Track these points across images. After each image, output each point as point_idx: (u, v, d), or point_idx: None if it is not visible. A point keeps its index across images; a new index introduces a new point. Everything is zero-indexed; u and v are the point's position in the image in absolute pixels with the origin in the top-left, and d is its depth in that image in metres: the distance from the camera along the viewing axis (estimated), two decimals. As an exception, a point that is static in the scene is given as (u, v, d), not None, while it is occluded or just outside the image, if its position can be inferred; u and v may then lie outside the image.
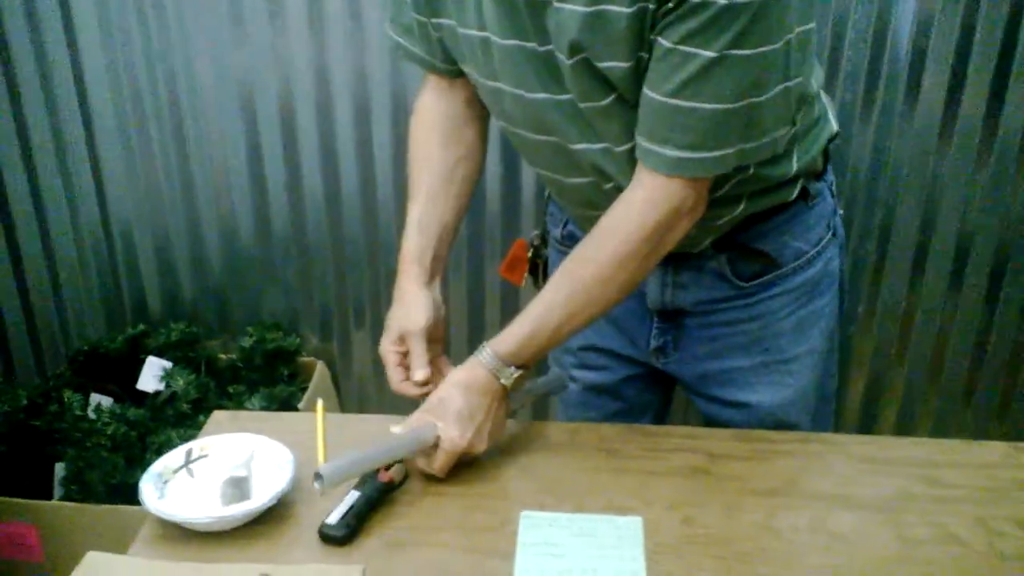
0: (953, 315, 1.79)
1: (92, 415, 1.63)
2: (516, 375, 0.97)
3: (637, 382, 1.21)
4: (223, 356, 1.89)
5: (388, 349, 1.06)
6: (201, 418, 1.56)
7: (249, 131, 1.78)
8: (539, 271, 1.25)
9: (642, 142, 0.90)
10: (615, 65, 0.86)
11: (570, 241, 1.13)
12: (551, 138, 0.97)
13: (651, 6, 0.82)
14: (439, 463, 0.95)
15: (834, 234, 1.11)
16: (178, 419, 1.66)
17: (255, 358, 1.84)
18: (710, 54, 0.81)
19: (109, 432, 1.58)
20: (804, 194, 1.06)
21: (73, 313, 1.98)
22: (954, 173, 1.67)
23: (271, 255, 1.89)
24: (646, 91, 0.87)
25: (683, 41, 0.82)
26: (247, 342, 1.85)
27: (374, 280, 1.88)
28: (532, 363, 0.99)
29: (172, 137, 1.80)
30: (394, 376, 1.05)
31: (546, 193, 1.20)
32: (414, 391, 1.03)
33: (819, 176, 1.08)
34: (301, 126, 1.77)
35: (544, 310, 0.97)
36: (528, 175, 1.75)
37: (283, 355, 1.85)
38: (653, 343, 1.14)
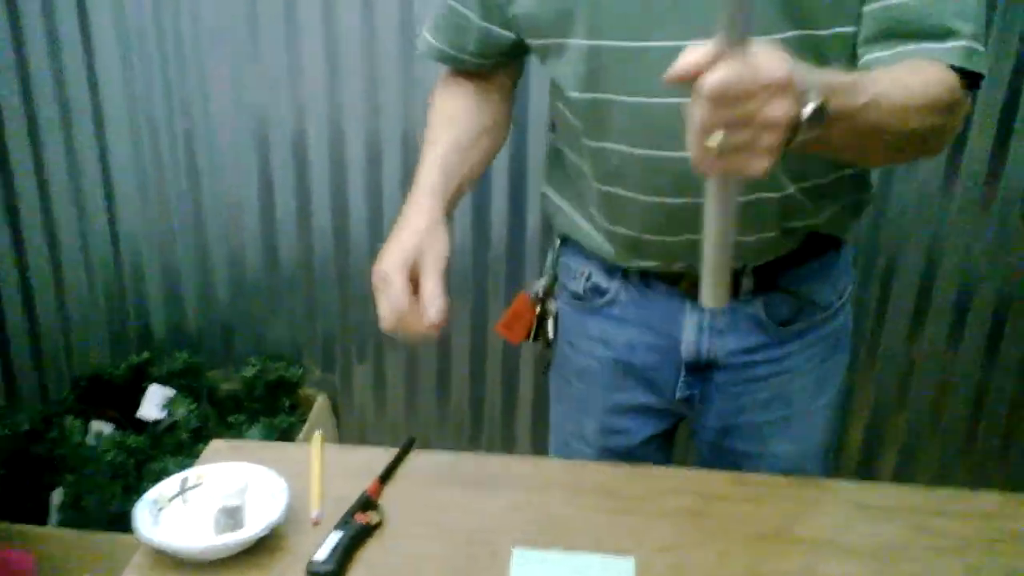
0: (954, 362, 1.79)
1: (92, 442, 1.64)
2: (814, 106, 0.67)
3: (655, 444, 1.17)
4: (225, 386, 1.90)
5: (395, 271, 0.91)
6: (200, 447, 1.55)
7: (261, 163, 1.81)
8: (545, 329, 1.15)
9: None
10: None
11: (596, 295, 1.09)
12: None
13: None
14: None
15: (852, 284, 1.12)
16: (177, 448, 1.67)
17: (257, 388, 1.85)
18: None
19: (108, 459, 1.59)
20: (836, 241, 1.07)
21: (78, 339, 1.99)
22: (957, 222, 1.68)
23: (278, 286, 1.91)
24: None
25: None
26: (250, 371, 1.86)
27: (376, 313, 1.88)
28: (831, 110, 0.69)
29: (185, 167, 1.83)
30: (399, 300, 0.89)
31: (556, 243, 1.15)
32: (417, 326, 0.89)
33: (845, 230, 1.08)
34: (312, 160, 1.79)
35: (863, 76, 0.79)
36: (534, 215, 1.77)
37: (285, 386, 1.86)
38: (679, 394, 1.10)
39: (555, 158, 1.12)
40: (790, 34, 0.83)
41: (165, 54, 1.75)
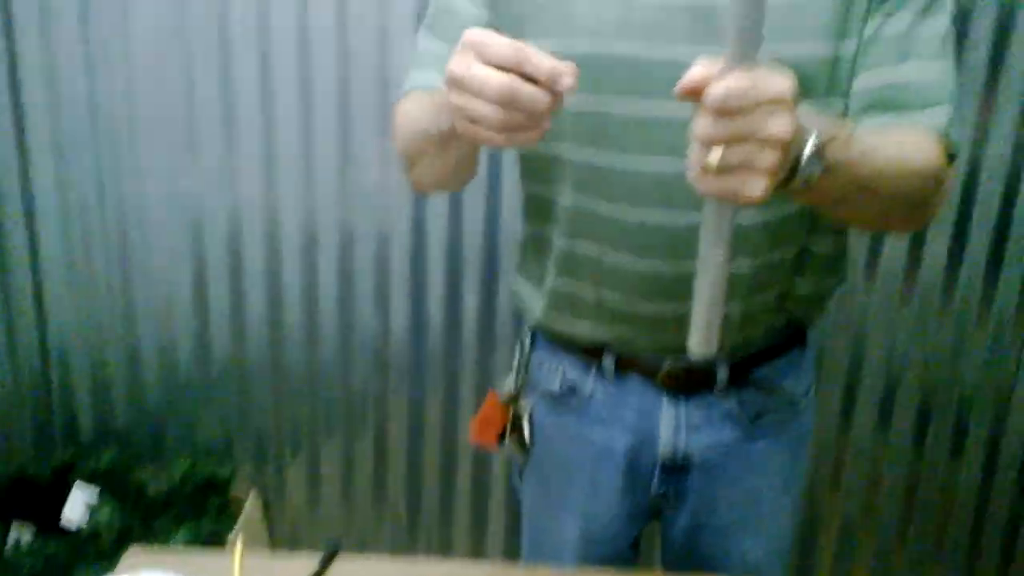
0: (884, 451, 1.80)
1: (10, 548, 1.56)
2: (815, 143, 0.70)
3: (631, 547, 1.15)
4: (153, 485, 1.83)
5: (485, 35, 0.72)
6: (123, 552, 1.49)
7: (195, 256, 1.79)
8: (520, 431, 1.10)
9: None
10: None
11: (571, 394, 1.07)
12: None
13: None
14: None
15: (815, 384, 1.14)
16: (99, 555, 1.59)
17: (186, 487, 1.78)
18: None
19: (26, 570, 1.51)
20: (801, 337, 1.08)
21: (1, 436, 1.91)
22: (880, 312, 1.72)
23: (210, 381, 1.86)
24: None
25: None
26: (180, 468, 1.80)
27: (312, 411, 1.86)
28: (829, 155, 0.72)
29: (117, 260, 1.80)
30: (508, 55, 0.70)
31: (527, 340, 1.12)
32: (537, 105, 0.71)
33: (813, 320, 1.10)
34: (247, 254, 1.78)
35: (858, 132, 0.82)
36: (504, 301, 1.77)
37: (215, 486, 1.80)
38: (654, 492, 1.08)
39: (531, 242, 1.09)
40: None
41: (99, 143, 1.73)
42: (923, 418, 1.78)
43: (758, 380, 1.06)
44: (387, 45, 1.63)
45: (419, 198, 1.70)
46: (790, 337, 1.08)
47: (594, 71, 0.85)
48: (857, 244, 1.66)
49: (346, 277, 1.76)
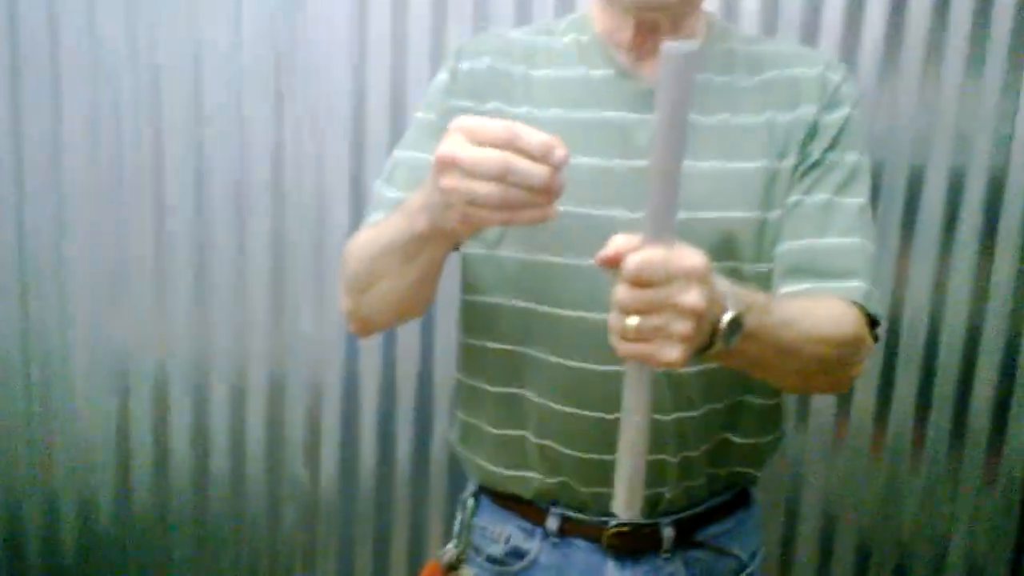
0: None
1: None
2: (733, 311, 0.74)
3: None
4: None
5: (473, 121, 0.73)
6: None
7: (119, 406, 1.74)
8: None
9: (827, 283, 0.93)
10: None
11: (515, 559, 1.05)
12: None
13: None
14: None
15: (762, 548, 1.12)
16: None
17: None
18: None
19: None
20: (745, 498, 1.08)
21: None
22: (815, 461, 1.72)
23: (130, 535, 1.79)
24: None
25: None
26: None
27: (237, 565, 1.78)
28: (747, 324, 0.76)
29: (39, 408, 1.74)
30: (504, 135, 0.71)
31: (468, 503, 1.10)
32: (537, 180, 0.71)
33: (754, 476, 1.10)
34: (174, 406, 1.74)
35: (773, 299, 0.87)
36: (438, 449, 1.73)
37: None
38: None
39: (471, 393, 1.08)
40: (719, 264, 0.88)
41: (25, 285, 1.71)
42: (862, 564, 1.75)
43: (704, 541, 1.04)
44: (323, 199, 1.65)
45: (352, 346, 1.68)
46: (735, 497, 1.08)
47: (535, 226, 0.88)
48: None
49: (275, 426, 1.72)
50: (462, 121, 0.72)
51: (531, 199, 0.71)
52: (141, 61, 1.64)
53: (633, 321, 0.68)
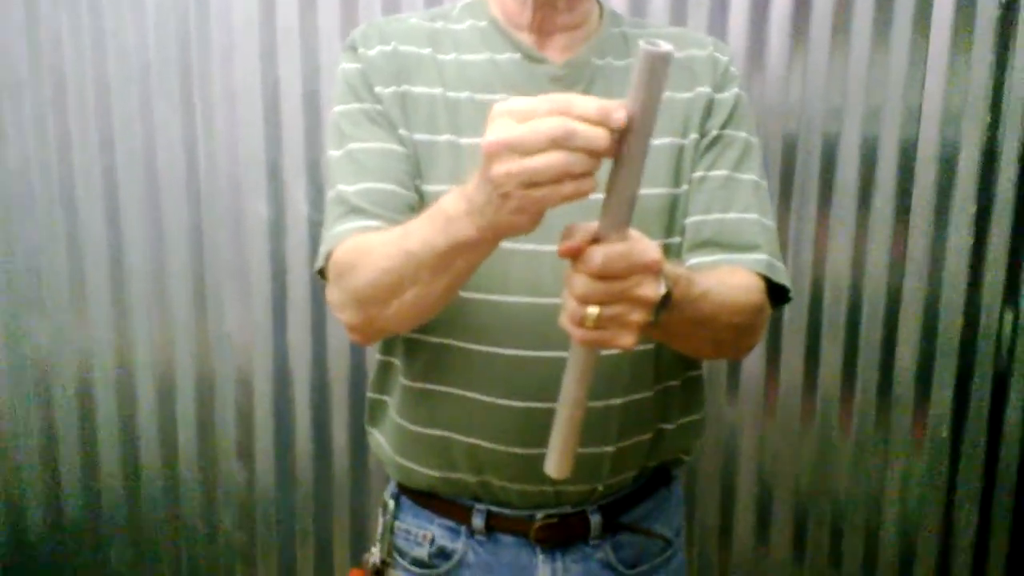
0: (765, 571, 1.80)
1: None
2: (664, 288, 0.75)
3: None
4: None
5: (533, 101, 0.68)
6: None
7: (43, 413, 1.70)
8: None
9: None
10: None
11: (442, 560, 1.04)
12: None
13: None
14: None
15: (683, 523, 1.15)
16: None
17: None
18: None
19: None
20: (666, 477, 1.10)
21: None
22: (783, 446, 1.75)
23: (62, 542, 1.75)
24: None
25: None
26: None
27: (175, 566, 1.75)
28: (675, 298, 0.78)
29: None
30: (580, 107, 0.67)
31: (389, 504, 1.09)
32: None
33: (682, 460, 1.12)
34: (99, 411, 1.70)
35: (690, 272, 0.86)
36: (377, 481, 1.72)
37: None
38: None
39: (392, 387, 1.06)
40: None
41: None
42: (800, 529, 1.79)
43: (630, 524, 1.05)
44: (239, 193, 1.62)
45: (280, 339, 1.66)
46: (657, 478, 1.09)
47: None
48: (717, 365, 1.70)
49: (207, 426, 1.70)
50: (504, 105, 0.68)
51: (592, 165, 0.66)
52: (44, 60, 1.59)
53: (593, 311, 0.69)
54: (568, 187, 0.66)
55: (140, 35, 1.58)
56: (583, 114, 0.65)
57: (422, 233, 0.80)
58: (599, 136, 0.65)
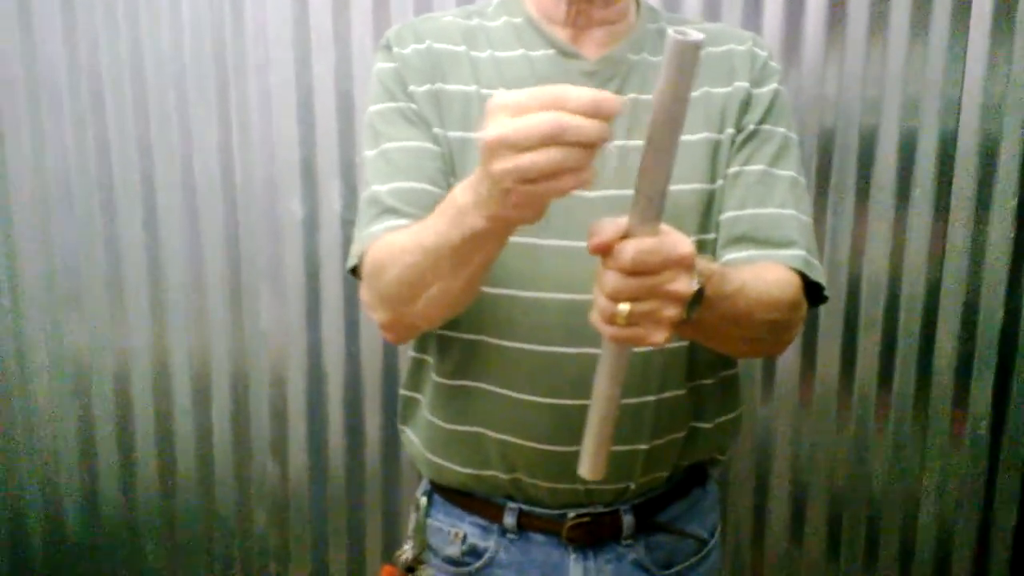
0: (799, 571, 1.78)
1: None
2: (697, 284, 0.74)
3: None
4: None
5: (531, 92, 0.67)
6: None
7: (82, 412, 1.72)
8: None
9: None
10: None
11: (473, 558, 1.04)
12: None
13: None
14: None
15: (720, 523, 1.13)
16: None
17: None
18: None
19: None
20: (702, 477, 1.09)
21: None
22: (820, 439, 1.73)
23: (99, 540, 1.77)
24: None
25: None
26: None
27: (209, 566, 1.77)
28: (708, 294, 0.77)
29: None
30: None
31: (423, 500, 1.09)
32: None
33: (718, 460, 1.10)
34: (136, 409, 1.72)
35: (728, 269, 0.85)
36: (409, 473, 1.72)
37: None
38: None
39: (424, 385, 1.06)
40: None
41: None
42: (834, 528, 1.77)
43: (664, 524, 1.04)
44: (275, 192, 1.63)
45: (314, 337, 1.67)
46: (692, 477, 1.08)
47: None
48: (751, 361, 1.68)
49: (241, 424, 1.71)
50: (499, 99, 0.67)
51: (588, 158, 0.65)
52: (82, 66, 1.61)
53: (624, 307, 0.68)
54: (566, 181, 0.65)
55: (176, 40, 1.59)
56: (576, 106, 0.64)
57: (437, 227, 0.80)
58: (592, 128, 0.64)
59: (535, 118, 0.64)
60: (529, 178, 0.65)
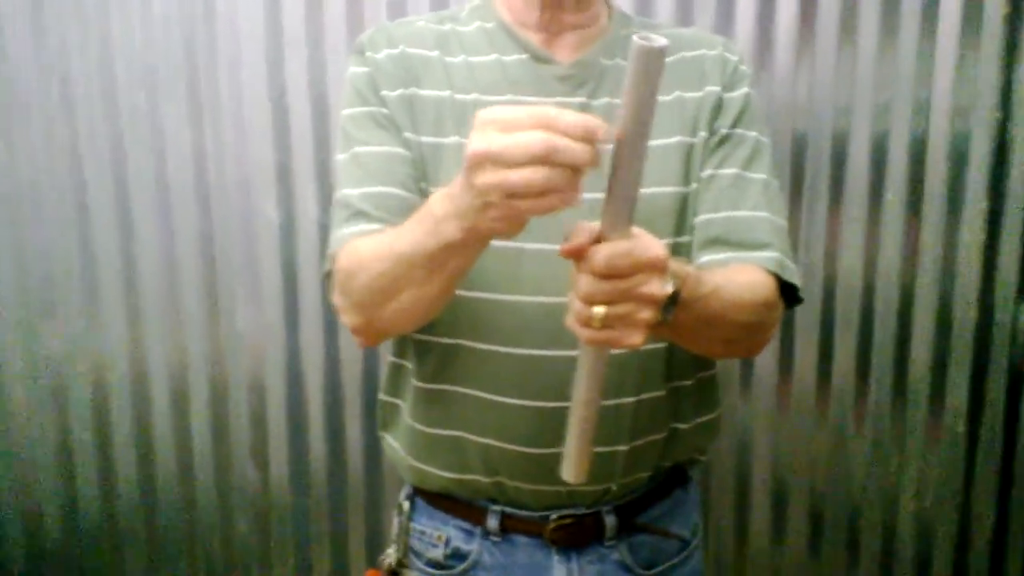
0: (781, 569, 1.79)
1: None
2: (672, 286, 0.75)
3: None
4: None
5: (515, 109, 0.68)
6: None
7: (59, 419, 1.71)
8: None
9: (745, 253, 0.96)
10: None
11: (457, 561, 1.04)
12: None
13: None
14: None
15: (700, 524, 1.14)
16: None
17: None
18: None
19: None
20: (683, 477, 1.10)
21: None
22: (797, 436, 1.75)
23: (78, 549, 1.76)
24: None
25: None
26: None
27: (191, 571, 1.76)
28: (683, 296, 0.79)
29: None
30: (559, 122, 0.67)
31: (405, 504, 1.10)
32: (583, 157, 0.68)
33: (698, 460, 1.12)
34: (114, 415, 1.71)
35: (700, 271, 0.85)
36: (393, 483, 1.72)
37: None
38: None
39: (404, 389, 1.07)
40: None
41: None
42: (816, 526, 1.78)
43: (646, 525, 1.05)
44: (249, 194, 1.62)
45: (293, 342, 1.67)
46: (673, 478, 1.09)
47: None
48: (729, 362, 1.70)
49: (221, 430, 1.70)
50: (488, 113, 0.68)
51: (574, 180, 0.66)
52: (52, 68, 1.60)
53: (599, 311, 0.69)
54: (551, 199, 0.67)
55: (147, 42, 1.58)
56: (566, 129, 0.65)
57: (413, 235, 0.80)
58: (582, 152, 0.65)
59: (527, 136, 0.65)
60: (515, 194, 0.66)
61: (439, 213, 0.76)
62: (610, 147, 0.68)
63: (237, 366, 1.69)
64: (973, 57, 1.54)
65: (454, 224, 0.74)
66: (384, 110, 0.99)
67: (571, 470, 0.79)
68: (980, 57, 1.54)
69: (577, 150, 0.65)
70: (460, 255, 0.79)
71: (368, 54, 1.01)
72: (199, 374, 1.69)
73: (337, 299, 0.93)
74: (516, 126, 0.66)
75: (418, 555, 1.08)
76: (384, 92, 0.99)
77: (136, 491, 1.73)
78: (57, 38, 1.59)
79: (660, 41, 0.63)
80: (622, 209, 0.69)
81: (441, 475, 1.03)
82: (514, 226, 0.72)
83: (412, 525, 1.08)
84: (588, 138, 0.65)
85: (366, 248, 0.88)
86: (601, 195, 0.70)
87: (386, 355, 1.63)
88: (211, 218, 1.64)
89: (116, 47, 1.59)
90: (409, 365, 1.05)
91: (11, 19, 1.59)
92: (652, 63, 0.64)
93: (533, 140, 0.65)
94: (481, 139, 0.67)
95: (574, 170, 0.66)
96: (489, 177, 0.67)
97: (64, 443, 1.72)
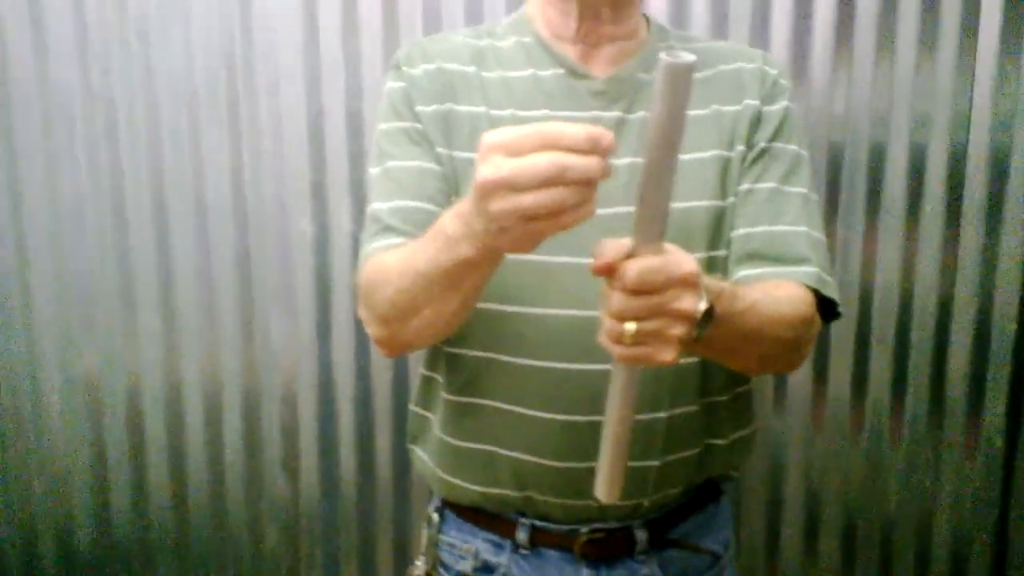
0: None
1: None
2: (706, 302, 0.73)
3: None
4: None
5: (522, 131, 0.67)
6: None
7: (94, 432, 1.72)
8: None
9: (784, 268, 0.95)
10: None
11: (485, 574, 1.04)
12: None
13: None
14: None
15: (733, 538, 1.13)
16: None
17: None
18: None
19: None
20: (715, 492, 1.09)
21: None
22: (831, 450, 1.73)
23: (111, 561, 1.77)
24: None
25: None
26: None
27: (222, 582, 1.78)
28: (717, 312, 0.76)
29: (12, 439, 1.73)
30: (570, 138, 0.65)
31: (435, 516, 1.09)
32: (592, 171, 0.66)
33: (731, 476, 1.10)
34: (148, 429, 1.72)
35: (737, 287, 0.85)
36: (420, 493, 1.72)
37: None
38: None
39: (434, 404, 1.06)
40: None
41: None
42: (848, 543, 1.76)
43: (678, 539, 1.04)
44: (285, 212, 1.63)
45: (325, 356, 1.67)
46: (705, 492, 1.08)
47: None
48: (763, 376, 1.68)
49: (252, 442, 1.71)
50: (492, 138, 0.67)
51: (588, 193, 0.65)
52: (94, 90, 1.62)
53: (631, 327, 0.68)
54: (567, 217, 0.66)
55: (188, 64, 1.60)
56: (572, 144, 0.64)
57: (427, 253, 0.80)
58: (592, 165, 0.64)
59: (534, 159, 0.64)
60: (530, 216, 0.66)
61: (451, 233, 0.76)
62: (641, 162, 0.68)
63: (270, 379, 1.69)
64: (1013, 67, 1.52)
65: (468, 244, 0.74)
66: (418, 125, 0.99)
67: (604, 489, 0.78)
68: (1020, 66, 1.52)
69: (586, 165, 0.64)
70: (476, 272, 0.79)
71: (404, 69, 1.01)
72: (232, 387, 1.70)
73: (362, 312, 0.94)
74: (521, 149, 0.65)
75: (447, 567, 1.07)
76: (419, 107, 0.99)
77: (168, 502, 1.74)
78: (100, 63, 1.61)
79: (687, 57, 0.63)
80: (653, 225, 0.68)
81: (470, 488, 1.03)
82: (531, 245, 0.71)
83: (441, 537, 1.08)
84: (595, 149, 0.64)
85: (389, 263, 0.89)
86: (631, 209, 0.69)
87: (417, 367, 1.65)
88: (247, 235, 1.65)
89: (158, 71, 1.61)
90: (440, 378, 1.05)
91: (56, 44, 1.61)
92: (679, 79, 0.63)
93: (541, 162, 0.64)
94: (489, 167, 0.66)
95: (586, 183, 0.65)
96: (502, 204, 0.66)
97: (98, 455, 1.74)
